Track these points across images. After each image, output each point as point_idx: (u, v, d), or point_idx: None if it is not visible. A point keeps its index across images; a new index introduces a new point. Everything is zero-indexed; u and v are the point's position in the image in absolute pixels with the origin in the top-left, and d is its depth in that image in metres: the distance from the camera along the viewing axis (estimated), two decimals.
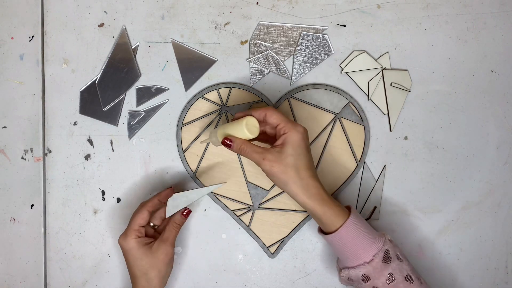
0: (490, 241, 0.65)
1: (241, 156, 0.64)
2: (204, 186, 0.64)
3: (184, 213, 0.59)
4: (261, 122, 0.56)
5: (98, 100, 0.64)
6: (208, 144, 0.64)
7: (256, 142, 0.59)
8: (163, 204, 0.59)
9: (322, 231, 0.57)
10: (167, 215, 0.58)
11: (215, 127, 0.64)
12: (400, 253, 0.56)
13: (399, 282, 0.53)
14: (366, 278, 0.54)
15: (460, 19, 0.64)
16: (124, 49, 0.64)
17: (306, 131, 0.55)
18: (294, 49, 0.64)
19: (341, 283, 0.58)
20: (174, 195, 0.58)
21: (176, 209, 0.58)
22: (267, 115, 0.55)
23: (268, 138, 0.58)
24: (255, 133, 0.54)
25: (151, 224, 0.60)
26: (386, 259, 0.54)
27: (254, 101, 0.64)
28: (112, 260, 0.65)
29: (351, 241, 0.54)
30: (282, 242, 0.64)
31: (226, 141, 0.55)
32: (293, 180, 0.53)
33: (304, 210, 0.64)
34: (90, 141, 0.65)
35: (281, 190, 0.64)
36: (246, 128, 0.54)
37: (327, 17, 0.64)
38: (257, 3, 0.64)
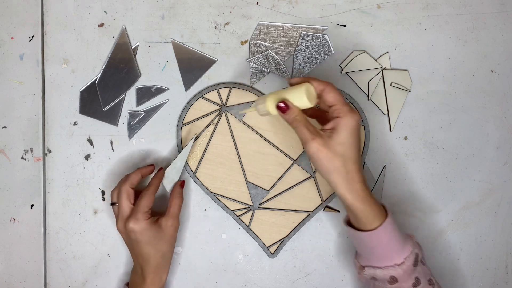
0: (490, 241, 0.65)
1: (241, 156, 0.64)
2: (205, 187, 0.64)
3: (181, 184, 0.61)
4: (317, 95, 0.51)
5: (98, 100, 0.64)
6: (208, 144, 0.64)
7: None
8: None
9: (350, 225, 0.55)
10: (169, 191, 0.61)
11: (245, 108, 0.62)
12: (423, 257, 0.55)
13: (423, 286, 0.52)
14: (393, 280, 0.52)
15: (460, 19, 0.64)
16: (124, 49, 0.64)
17: (360, 119, 0.51)
18: (294, 49, 0.64)
19: (360, 279, 0.56)
20: (165, 172, 0.61)
21: (172, 183, 0.61)
22: (326, 90, 0.50)
23: (319, 114, 0.56)
24: (312, 102, 0.50)
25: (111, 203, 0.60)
26: (416, 262, 0.53)
27: (254, 100, 0.64)
28: (112, 260, 0.65)
29: (386, 242, 0.52)
30: (282, 242, 0.64)
31: (282, 105, 0.50)
32: (338, 171, 0.50)
33: (303, 210, 0.64)
34: (90, 141, 0.65)
35: (281, 190, 0.64)
36: (306, 95, 0.49)
37: (327, 17, 0.64)
38: (257, 3, 0.64)
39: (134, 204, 0.58)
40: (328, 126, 0.51)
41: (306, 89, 0.50)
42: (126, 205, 0.57)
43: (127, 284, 0.61)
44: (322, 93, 0.51)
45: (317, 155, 0.50)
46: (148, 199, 0.57)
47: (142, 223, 0.56)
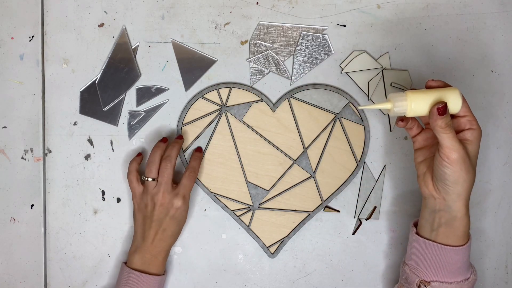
0: (490, 241, 0.65)
1: (241, 156, 0.64)
2: (205, 187, 0.64)
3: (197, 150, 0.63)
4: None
5: (98, 100, 0.64)
6: (208, 143, 0.64)
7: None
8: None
9: (424, 238, 0.55)
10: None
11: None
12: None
13: None
14: None
15: (460, 19, 0.64)
16: (124, 49, 0.64)
17: None
18: (294, 49, 0.64)
19: (410, 286, 0.56)
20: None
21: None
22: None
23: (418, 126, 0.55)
24: (457, 109, 0.50)
25: (149, 178, 0.59)
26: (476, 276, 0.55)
27: (254, 100, 0.64)
28: (112, 260, 0.65)
29: (467, 258, 0.54)
30: (282, 242, 0.64)
31: (442, 108, 0.47)
32: (468, 183, 0.51)
33: (303, 210, 0.64)
34: (90, 141, 0.65)
35: (281, 190, 0.64)
36: (461, 99, 0.48)
37: (327, 17, 0.64)
38: (257, 3, 0.64)
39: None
40: (467, 137, 0.51)
41: (460, 93, 0.49)
42: (171, 179, 0.59)
43: (126, 264, 0.61)
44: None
45: (459, 164, 0.49)
46: (193, 179, 0.60)
47: (187, 202, 0.60)
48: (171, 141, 0.62)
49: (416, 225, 0.58)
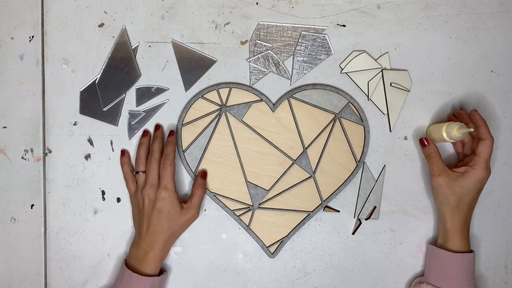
0: (489, 241, 0.65)
1: (241, 156, 0.64)
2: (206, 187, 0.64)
3: (202, 175, 0.63)
4: (473, 137, 0.60)
5: (98, 100, 0.65)
6: (208, 143, 0.64)
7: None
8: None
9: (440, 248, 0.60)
10: (193, 169, 0.64)
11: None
12: None
13: None
14: None
15: (460, 19, 0.64)
16: (124, 49, 0.64)
17: (489, 176, 0.58)
18: (294, 49, 0.64)
19: None
20: (189, 149, 0.64)
21: (196, 160, 0.64)
22: (484, 142, 0.57)
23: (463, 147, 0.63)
24: (456, 138, 0.57)
25: (139, 172, 0.62)
26: None
27: (254, 100, 0.64)
28: (112, 260, 0.65)
29: (472, 269, 0.59)
30: (282, 242, 0.64)
31: (424, 141, 0.60)
32: (449, 206, 0.59)
33: (303, 210, 0.64)
34: (90, 141, 0.65)
35: (281, 190, 0.64)
36: (445, 133, 0.58)
37: (327, 17, 0.64)
38: (257, 3, 0.64)
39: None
40: (460, 170, 0.59)
41: (445, 127, 0.58)
42: (156, 173, 0.60)
43: (126, 260, 0.61)
44: (479, 141, 0.58)
45: (437, 188, 0.59)
46: (171, 168, 0.60)
47: (171, 193, 0.59)
48: (169, 136, 0.63)
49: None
